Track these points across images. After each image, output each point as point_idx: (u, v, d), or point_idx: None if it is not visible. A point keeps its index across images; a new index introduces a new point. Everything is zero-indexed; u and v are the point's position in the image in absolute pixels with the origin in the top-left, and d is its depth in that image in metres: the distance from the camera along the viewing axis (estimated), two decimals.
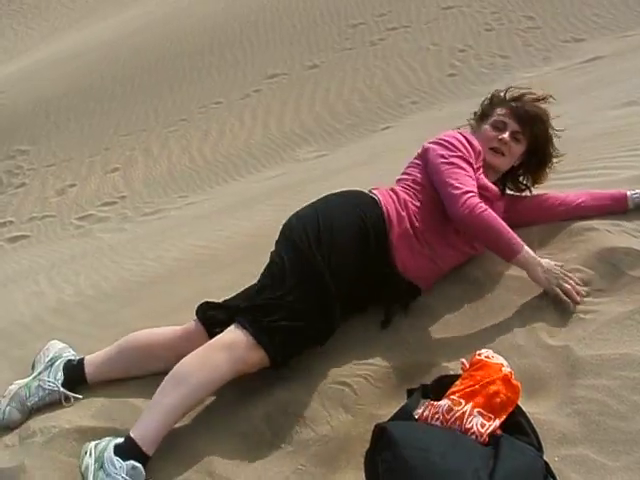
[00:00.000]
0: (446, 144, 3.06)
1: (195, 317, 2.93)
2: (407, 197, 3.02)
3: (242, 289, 3.00)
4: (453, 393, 2.26)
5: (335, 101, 10.47)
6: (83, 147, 11.22)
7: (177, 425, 2.70)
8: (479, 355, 2.38)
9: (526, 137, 3.20)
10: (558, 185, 3.52)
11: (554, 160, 3.31)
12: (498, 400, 2.22)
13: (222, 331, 2.69)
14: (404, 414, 2.24)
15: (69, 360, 3.09)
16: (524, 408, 2.28)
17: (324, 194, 3.07)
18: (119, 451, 2.51)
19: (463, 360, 2.43)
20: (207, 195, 8.92)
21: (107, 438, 2.61)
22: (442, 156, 3.02)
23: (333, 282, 2.68)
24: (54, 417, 2.91)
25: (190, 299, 3.39)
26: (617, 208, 3.16)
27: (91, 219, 9.53)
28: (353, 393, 2.64)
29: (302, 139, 9.76)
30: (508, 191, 3.37)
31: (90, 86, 12.63)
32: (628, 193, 3.16)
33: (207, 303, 2.95)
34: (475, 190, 2.90)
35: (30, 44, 18.79)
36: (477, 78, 10.43)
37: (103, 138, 11.28)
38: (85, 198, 10.14)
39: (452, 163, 2.98)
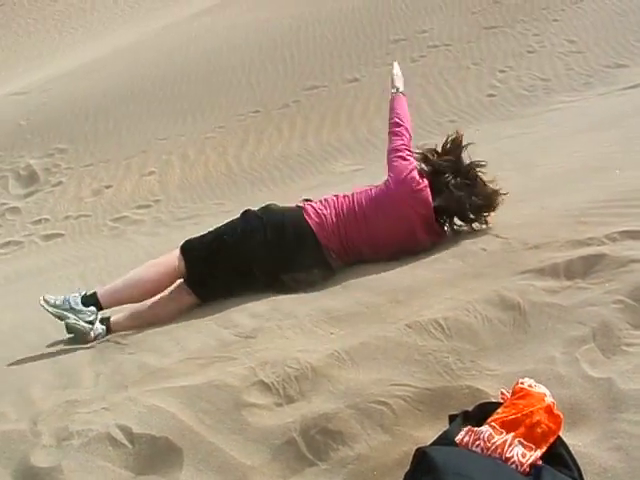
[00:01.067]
0: None
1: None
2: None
3: None
4: (495, 421, 2.26)
5: (373, 116, 10.47)
6: (120, 149, 11.31)
7: (213, 436, 2.72)
8: (521, 384, 2.38)
9: None
10: None
11: None
12: (540, 430, 2.21)
13: None
14: (445, 440, 2.24)
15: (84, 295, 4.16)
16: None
17: None
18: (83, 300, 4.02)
19: (503, 389, 2.43)
20: (242, 203, 8.93)
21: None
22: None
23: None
24: (92, 421, 2.94)
25: None
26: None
27: (125, 221, 9.59)
28: (392, 413, 2.64)
29: (339, 152, 9.78)
30: None
31: (130, 89, 12.74)
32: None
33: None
34: None
35: (73, 45, 19.02)
36: (517, 100, 10.39)
37: (141, 141, 11.37)
38: (120, 200, 10.22)
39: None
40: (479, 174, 4.17)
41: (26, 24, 21.79)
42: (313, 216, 4.15)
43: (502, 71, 11.11)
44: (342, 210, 4.18)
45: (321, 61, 12.11)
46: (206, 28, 14.77)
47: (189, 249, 4.23)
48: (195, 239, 4.29)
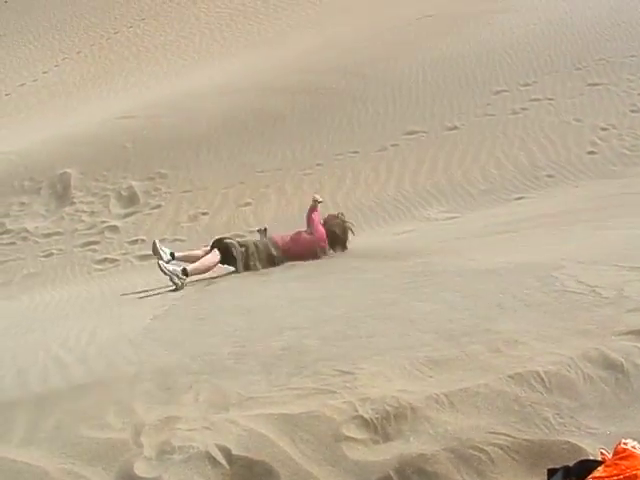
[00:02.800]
0: None
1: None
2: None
3: None
4: (596, 479, 2.26)
5: (471, 165, 10.51)
6: (219, 178, 11.62)
7: (310, 465, 2.79)
8: (624, 444, 2.37)
9: None
10: None
11: None
12: None
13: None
14: None
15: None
16: None
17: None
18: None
19: (603, 449, 2.43)
20: None
21: None
22: None
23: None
24: (193, 438, 3.04)
25: None
26: None
27: None
28: (489, 461, 2.66)
29: (434, 198, 9.83)
30: None
31: (233, 121, 13.07)
32: None
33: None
34: None
35: (180, 72, 19.63)
36: (618, 159, 10.29)
37: (239, 172, 11.66)
38: (215, 228, 10.47)
39: None
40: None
41: (137, 51, 22.61)
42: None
43: (604, 129, 11.02)
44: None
45: (422, 107, 12.22)
46: (311, 65, 15.04)
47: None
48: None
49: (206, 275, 7.91)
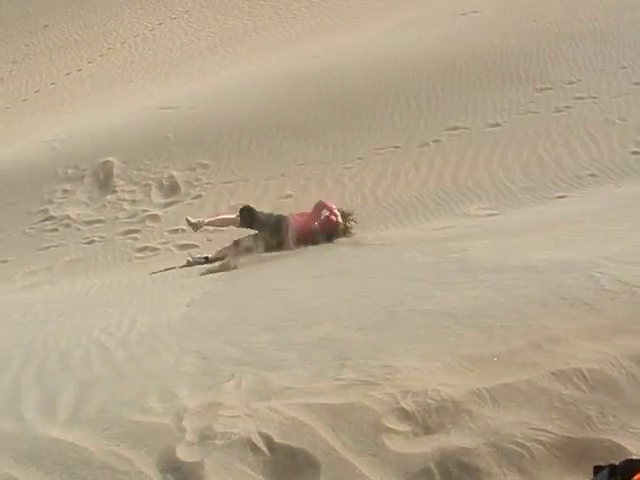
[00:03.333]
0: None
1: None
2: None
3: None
4: None
5: (513, 162, 10.43)
6: (260, 170, 11.67)
7: (351, 455, 2.81)
8: None
9: None
10: None
11: None
12: None
13: None
14: None
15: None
16: None
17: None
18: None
19: None
20: (374, 235, 9.08)
21: None
22: None
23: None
24: (235, 425, 3.08)
25: None
26: None
27: None
28: (530, 457, 2.66)
29: (475, 195, 9.77)
30: None
31: (275, 113, 13.11)
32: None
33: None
34: None
35: (226, 62, 19.73)
36: None
37: (281, 164, 11.70)
38: None
39: None
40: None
41: (180, 43, 22.77)
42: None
43: None
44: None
45: (465, 103, 12.15)
46: (353, 61, 15.03)
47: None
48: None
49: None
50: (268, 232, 8.97)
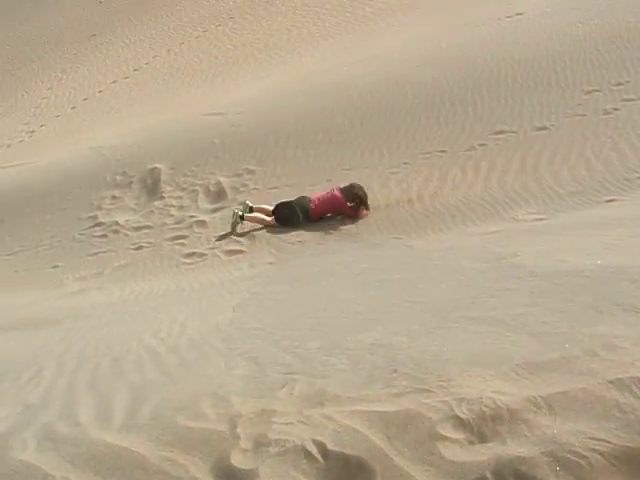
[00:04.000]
0: None
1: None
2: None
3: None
4: None
5: (560, 166, 10.30)
6: (306, 175, 11.70)
7: (405, 463, 2.80)
8: None
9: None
10: None
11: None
12: None
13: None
14: None
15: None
16: None
17: None
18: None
19: None
20: (421, 240, 9.05)
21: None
22: None
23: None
24: (289, 432, 3.09)
25: None
26: None
27: (303, 244, 9.93)
28: (589, 467, 2.62)
29: (523, 199, 9.66)
30: None
31: (320, 118, 13.14)
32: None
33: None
34: None
35: (272, 68, 19.84)
36: None
37: (326, 169, 11.72)
38: (300, 224, 10.54)
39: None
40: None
41: (225, 49, 22.94)
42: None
43: None
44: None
45: (511, 106, 12.04)
46: (398, 65, 15.01)
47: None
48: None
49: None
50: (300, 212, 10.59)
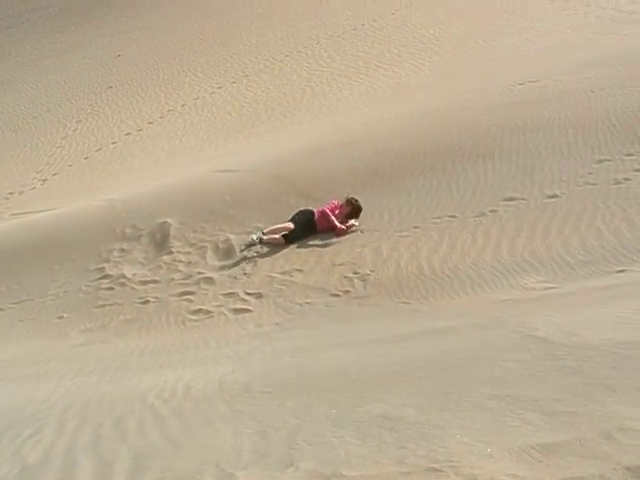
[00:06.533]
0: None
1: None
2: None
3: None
4: None
5: (570, 235, 10.28)
6: (316, 237, 11.68)
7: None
8: None
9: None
10: None
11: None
12: None
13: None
14: None
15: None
16: None
17: None
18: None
19: None
20: (432, 305, 9.00)
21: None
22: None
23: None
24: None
25: None
26: None
27: (313, 306, 9.88)
28: None
29: (532, 267, 9.61)
30: None
31: (329, 179, 13.16)
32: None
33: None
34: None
35: (285, 128, 20.02)
36: None
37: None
38: (309, 284, 10.51)
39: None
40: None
41: (239, 106, 23.19)
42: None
43: None
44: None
45: (522, 173, 12.06)
46: (407, 126, 15.12)
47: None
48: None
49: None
50: (302, 224, 11.75)
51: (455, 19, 25.49)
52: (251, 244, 11.81)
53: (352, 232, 11.60)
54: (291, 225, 11.79)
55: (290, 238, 11.72)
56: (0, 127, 26.83)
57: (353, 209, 11.71)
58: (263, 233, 11.84)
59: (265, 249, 11.70)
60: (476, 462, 3.15)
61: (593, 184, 11.48)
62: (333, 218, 11.65)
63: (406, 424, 3.86)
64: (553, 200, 11.17)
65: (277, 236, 11.74)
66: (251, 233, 11.99)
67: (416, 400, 4.34)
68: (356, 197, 11.84)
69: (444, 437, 3.54)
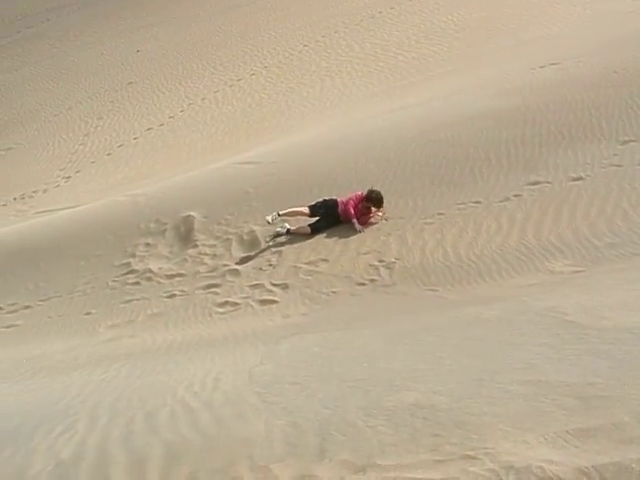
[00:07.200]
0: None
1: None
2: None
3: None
4: None
5: (596, 217, 10.17)
6: (339, 226, 11.66)
7: None
8: None
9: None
10: None
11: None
12: None
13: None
14: None
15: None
16: None
17: None
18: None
19: None
20: (458, 292, 8.95)
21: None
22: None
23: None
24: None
25: None
26: None
27: (339, 295, 9.87)
28: None
29: (559, 251, 9.53)
30: None
31: (354, 168, 13.14)
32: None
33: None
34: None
35: (306, 119, 20.01)
36: None
37: None
38: (334, 273, 10.50)
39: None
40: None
41: (259, 98, 23.21)
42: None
43: None
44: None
45: (546, 157, 11.95)
46: (429, 115, 15.05)
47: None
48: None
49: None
50: (327, 213, 11.79)
51: (473, 3, 25.27)
52: (278, 234, 11.86)
53: (375, 222, 11.53)
54: (306, 210, 11.86)
55: (316, 227, 11.76)
56: (23, 126, 27.01)
57: (373, 200, 11.60)
58: (279, 214, 11.81)
59: (290, 239, 11.69)
60: (512, 449, 3.13)
61: (618, 165, 11.35)
62: (351, 209, 11.60)
63: (438, 412, 3.83)
64: (578, 183, 11.06)
65: (304, 225, 11.82)
66: (266, 215, 11.93)
67: (447, 388, 4.31)
68: (377, 188, 11.75)
69: (477, 424, 3.51)
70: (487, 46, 21.34)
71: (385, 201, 11.59)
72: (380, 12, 26.99)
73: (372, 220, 11.64)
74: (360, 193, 11.76)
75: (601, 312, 6.06)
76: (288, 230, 11.86)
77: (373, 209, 11.66)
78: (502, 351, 5.17)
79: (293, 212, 11.94)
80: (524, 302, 7.21)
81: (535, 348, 5.06)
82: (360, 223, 11.55)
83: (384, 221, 11.41)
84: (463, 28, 23.50)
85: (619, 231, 9.78)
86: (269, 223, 11.83)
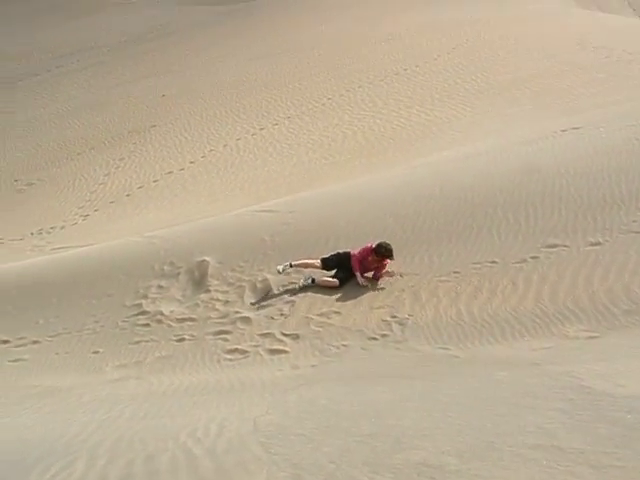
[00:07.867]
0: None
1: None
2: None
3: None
4: None
5: (614, 283, 10.08)
6: (353, 280, 11.60)
7: None
8: None
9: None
10: None
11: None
12: None
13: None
14: None
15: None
16: None
17: None
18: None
19: None
20: (470, 352, 8.85)
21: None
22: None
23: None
24: None
25: None
26: None
27: (350, 349, 9.77)
28: None
29: (574, 315, 9.43)
30: None
31: (371, 222, 13.11)
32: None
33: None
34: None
35: (324, 170, 20.11)
36: None
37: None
38: (345, 326, 10.43)
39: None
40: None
41: (280, 148, 23.34)
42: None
43: None
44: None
45: (565, 220, 11.88)
46: (451, 173, 15.06)
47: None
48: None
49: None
50: (340, 267, 11.75)
51: (499, 65, 25.48)
52: (304, 286, 11.75)
53: (390, 276, 11.47)
54: (318, 262, 11.84)
55: (341, 279, 11.65)
56: (45, 162, 27.26)
57: (382, 252, 11.42)
58: (291, 265, 11.86)
59: (302, 289, 11.64)
60: None
61: (637, 232, 11.28)
62: (356, 264, 11.58)
63: (446, 473, 3.73)
64: (596, 248, 10.99)
65: (331, 279, 11.71)
66: (278, 265, 11.95)
67: (456, 448, 4.21)
68: (386, 241, 11.64)
69: None
70: (509, 109, 21.45)
71: (400, 256, 11.53)
72: (405, 69, 27.23)
73: (385, 274, 11.52)
74: (370, 245, 11.60)
75: (616, 379, 5.94)
76: (313, 280, 11.76)
77: (387, 261, 11.51)
78: (514, 413, 5.06)
79: (305, 264, 11.94)
80: (538, 365, 7.11)
81: (548, 412, 4.95)
82: (374, 277, 11.50)
83: (399, 277, 11.33)
84: (486, 89, 23.64)
85: (636, 298, 9.69)
86: (279, 273, 11.83)
